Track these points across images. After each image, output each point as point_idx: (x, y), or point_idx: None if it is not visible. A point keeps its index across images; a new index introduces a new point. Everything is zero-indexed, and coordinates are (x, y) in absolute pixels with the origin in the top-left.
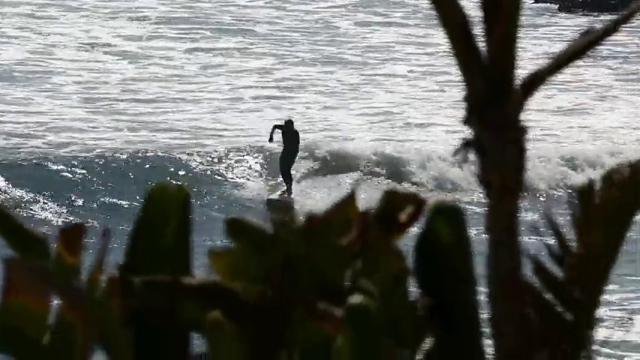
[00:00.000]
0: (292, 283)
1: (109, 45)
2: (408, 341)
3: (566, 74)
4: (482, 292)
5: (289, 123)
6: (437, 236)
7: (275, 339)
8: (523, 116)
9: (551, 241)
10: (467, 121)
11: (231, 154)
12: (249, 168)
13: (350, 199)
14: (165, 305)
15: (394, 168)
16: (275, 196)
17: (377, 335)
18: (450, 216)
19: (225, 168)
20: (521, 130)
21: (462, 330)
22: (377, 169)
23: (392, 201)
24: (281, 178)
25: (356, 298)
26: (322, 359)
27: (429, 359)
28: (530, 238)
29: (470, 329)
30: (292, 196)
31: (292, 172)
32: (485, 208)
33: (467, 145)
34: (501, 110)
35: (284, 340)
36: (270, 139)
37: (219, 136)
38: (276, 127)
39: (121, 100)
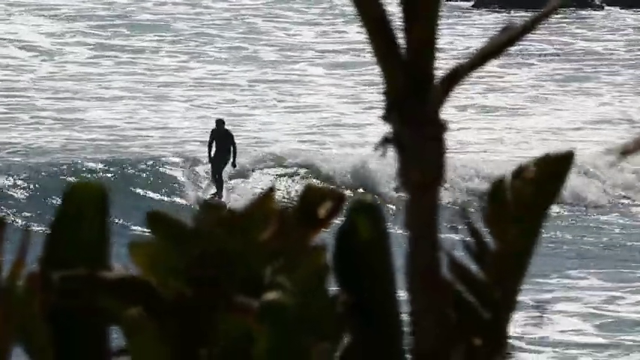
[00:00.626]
0: (212, 277)
1: (23, 41)
2: (327, 337)
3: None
4: (401, 288)
5: (220, 123)
6: (356, 232)
7: (195, 334)
8: (443, 113)
9: (468, 237)
10: (386, 117)
11: (153, 161)
12: (172, 169)
13: (269, 194)
14: (84, 300)
15: (315, 167)
16: (206, 196)
17: (293, 331)
18: (370, 212)
19: (150, 169)
20: (441, 127)
21: (381, 326)
22: (300, 169)
23: (311, 196)
24: (211, 179)
25: (271, 295)
26: (242, 354)
27: (348, 355)
28: (448, 235)
29: (389, 325)
30: (223, 198)
31: (227, 170)
32: (405, 205)
33: (386, 141)
34: (421, 106)
35: (204, 335)
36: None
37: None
38: (212, 134)
39: (36, 97)
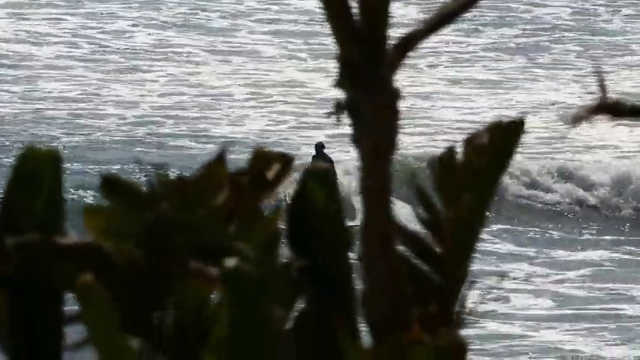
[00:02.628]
0: (166, 243)
1: None
2: (281, 303)
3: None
4: (355, 254)
5: (319, 146)
6: (309, 198)
7: (148, 300)
8: (396, 79)
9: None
10: (339, 84)
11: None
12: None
13: (219, 159)
14: (38, 266)
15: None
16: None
17: (253, 297)
18: (323, 179)
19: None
20: (395, 93)
21: (335, 292)
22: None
23: (260, 160)
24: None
25: (230, 261)
26: (196, 320)
27: (301, 322)
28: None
29: (342, 291)
30: None
31: None
32: (359, 171)
33: (339, 107)
34: (375, 73)
35: (158, 301)
36: None
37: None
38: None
39: None
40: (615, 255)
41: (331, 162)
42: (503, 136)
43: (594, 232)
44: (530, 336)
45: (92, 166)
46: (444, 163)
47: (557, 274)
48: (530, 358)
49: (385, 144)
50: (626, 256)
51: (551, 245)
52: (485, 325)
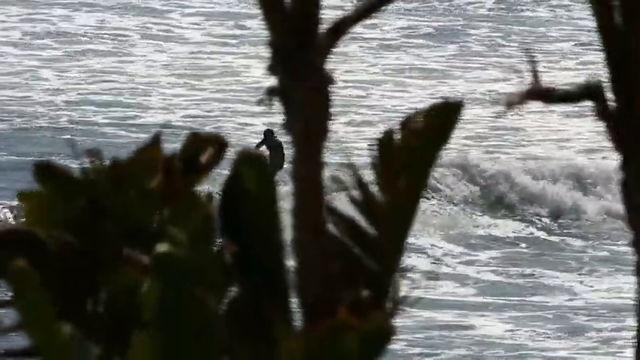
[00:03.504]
0: (99, 228)
1: None
2: (214, 288)
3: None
4: (287, 240)
5: (268, 133)
6: (243, 183)
7: (82, 287)
8: (328, 64)
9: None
10: (271, 69)
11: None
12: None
13: (154, 143)
14: None
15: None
16: None
17: (184, 282)
18: (257, 163)
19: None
20: (327, 78)
21: (268, 276)
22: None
23: (194, 143)
24: None
25: (162, 246)
26: (128, 306)
27: (235, 306)
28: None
29: (275, 275)
30: None
31: None
32: (291, 157)
33: (271, 92)
34: (306, 58)
35: (90, 286)
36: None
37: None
38: (258, 146)
39: None
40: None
41: (281, 146)
42: (441, 118)
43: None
44: (464, 326)
45: (20, 153)
46: (381, 146)
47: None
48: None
49: (316, 129)
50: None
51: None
52: (419, 313)
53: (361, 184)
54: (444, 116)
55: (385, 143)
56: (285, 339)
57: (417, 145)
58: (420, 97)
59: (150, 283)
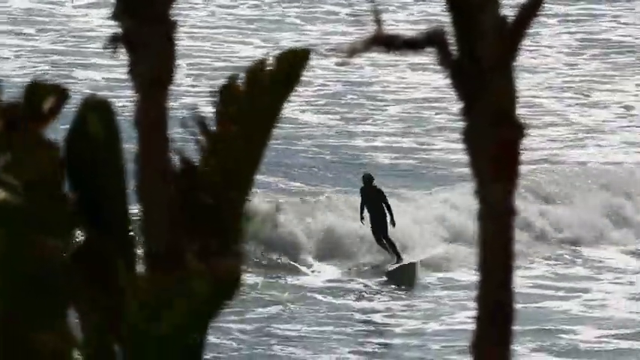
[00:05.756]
0: None
1: None
2: (58, 235)
3: None
4: (133, 185)
5: (367, 179)
6: (88, 130)
7: None
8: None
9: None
10: (116, 16)
11: None
12: None
13: None
14: None
15: None
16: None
17: (22, 229)
18: (101, 110)
19: None
20: (172, 24)
21: (113, 223)
22: None
23: (34, 92)
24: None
25: None
26: None
27: (80, 253)
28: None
29: (121, 223)
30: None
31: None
32: (135, 103)
33: (116, 39)
34: (150, 4)
35: None
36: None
37: None
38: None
39: None
40: None
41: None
42: (289, 66)
43: None
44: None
45: None
46: (224, 94)
47: None
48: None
49: (162, 74)
50: None
51: None
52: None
53: (206, 131)
54: (291, 64)
55: (229, 90)
56: (130, 285)
57: (263, 93)
58: (267, 47)
59: None
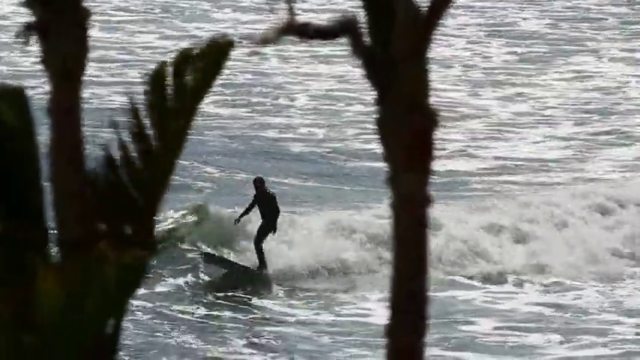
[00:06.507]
0: None
1: None
2: None
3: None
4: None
5: (259, 182)
6: (0, 116)
7: None
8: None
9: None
10: (28, 4)
11: None
12: None
13: None
14: None
15: None
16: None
17: None
18: (13, 99)
19: None
20: (85, 13)
21: (26, 213)
22: None
23: None
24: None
25: None
26: None
27: None
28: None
29: (34, 213)
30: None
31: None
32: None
33: (29, 28)
34: None
35: None
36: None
37: None
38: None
39: None
40: None
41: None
42: (213, 57)
43: None
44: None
45: None
46: (153, 83)
47: None
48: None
49: (75, 63)
50: None
51: None
52: None
53: (135, 118)
54: (215, 55)
55: (157, 78)
56: (41, 271)
57: (187, 82)
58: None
59: None
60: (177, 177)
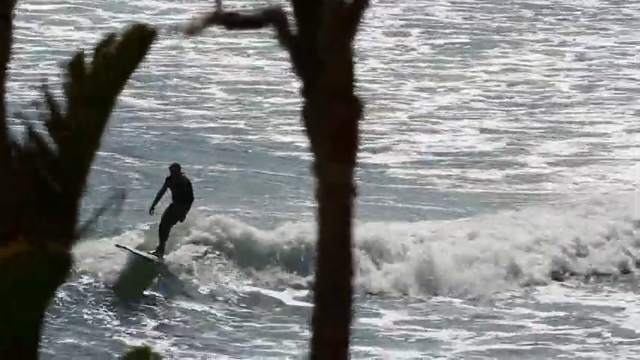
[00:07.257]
0: None
1: None
2: None
3: None
4: None
5: (175, 168)
6: None
7: None
8: None
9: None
10: None
11: None
12: None
13: None
14: None
15: None
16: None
17: None
18: None
19: None
20: (8, 2)
21: None
22: None
23: None
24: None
25: None
26: None
27: None
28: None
29: None
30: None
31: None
32: None
33: None
34: None
35: None
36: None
37: None
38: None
39: None
40: None
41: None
42: (135, 44)
43: None
44: None
45: None
46: (72, 68)
47: None
48: None
49: None
50: None
51: None
52: None
53: (52, 106)
54: (137, 43)
55: (76, 67)
56: None
57: (107, 70)
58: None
59: None
60: (97, 167)
